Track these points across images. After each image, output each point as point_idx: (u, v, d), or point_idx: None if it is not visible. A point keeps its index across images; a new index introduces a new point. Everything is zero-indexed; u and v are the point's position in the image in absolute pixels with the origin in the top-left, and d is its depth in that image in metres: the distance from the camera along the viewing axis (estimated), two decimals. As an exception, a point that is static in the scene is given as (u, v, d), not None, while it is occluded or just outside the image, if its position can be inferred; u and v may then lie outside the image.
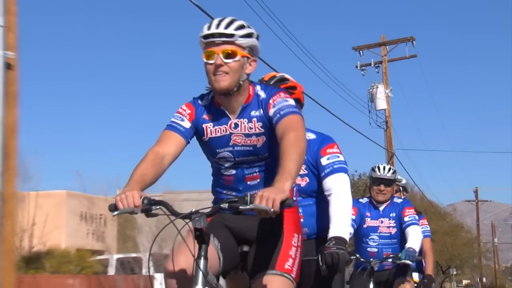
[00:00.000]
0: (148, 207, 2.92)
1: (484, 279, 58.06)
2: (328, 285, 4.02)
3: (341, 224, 3.81)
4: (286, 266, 3.24)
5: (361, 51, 25.76)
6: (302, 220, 3.86)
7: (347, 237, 3.81)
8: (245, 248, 3.40)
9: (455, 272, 40.50)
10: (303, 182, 4.06)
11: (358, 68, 25.65)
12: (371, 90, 24.43)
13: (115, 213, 2.89)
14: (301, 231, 3.45)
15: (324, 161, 4.04)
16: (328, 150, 4.07)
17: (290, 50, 18.27)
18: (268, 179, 3.27)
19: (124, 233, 24.07)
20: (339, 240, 3.73)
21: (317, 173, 4.07)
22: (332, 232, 3.79)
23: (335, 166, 3.99)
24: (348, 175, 4.04)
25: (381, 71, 25.72)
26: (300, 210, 3.93)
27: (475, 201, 52.89)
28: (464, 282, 62.10)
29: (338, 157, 4.05)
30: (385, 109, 24.97)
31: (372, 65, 25.58)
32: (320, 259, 3.75)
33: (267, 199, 2.71)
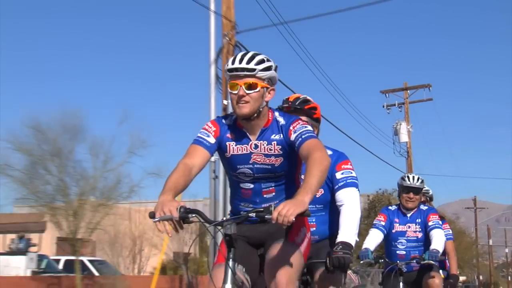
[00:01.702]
0: (185, 215, 3.10)
1: (480, 277, 62.84)
2: (332, 278, 4.21)
3: (349, 231, 3.99)
4: (296, 241, 3.55)
5: (387, 94, 30.17)
6: (314, 228, 4.24)
7: (353, 243, 3.96)
8: (263, 251, 3.63)
9: (458, 272, 44.76)
10: (318, 193, 4.18)
11: (385, 107, 29.90)
12: (395, 126, 28.51)
13: (155, 220, 3.05)
14: (308, 228, 3.72)
15: (338, 175, 4.24)
16: (342, 166, 4.28)
17: (331, 95, 23.52)
18: (282, 193, 3.57)
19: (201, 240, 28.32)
20: (345, 245, 3.91)
21: (331, 186, 4.26)
22: (340, 238, 3.97)
23: (348, 181, 4.20)
24: (358, 189, 4.23)
25: (404, 110, 29.91)
26: (314, 219, 4.27)
27: (474, 208, 58.18)
28: (461, 278, 66.68)
29: (351, 173, 4.26)
30: (407, 142, 28.97)
31: (396, 106, 29.93)
32: (328, 261, 3.92)
33: (284, 216, 2.91)
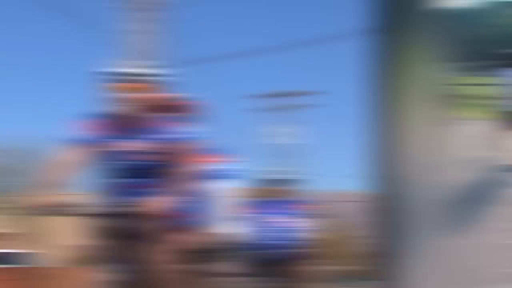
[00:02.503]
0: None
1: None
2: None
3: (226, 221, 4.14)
4: (170, 239, 3.57)
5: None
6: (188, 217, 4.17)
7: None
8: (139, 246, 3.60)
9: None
10: (189, 185, 4.00)
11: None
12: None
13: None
14: (182, 217, 3.77)
15: (208, 168, 4.22)
16: (213, 159, 4.31)
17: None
18: (158, 189, 3.58)
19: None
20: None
21: (204, 179, 4.23)
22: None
23: (219, 173, 4.28)
24: (235, 181, 4.39)
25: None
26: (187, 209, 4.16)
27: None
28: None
29: (224, 166, 4.35)
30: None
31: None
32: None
33: (151, 211, 3.18)
